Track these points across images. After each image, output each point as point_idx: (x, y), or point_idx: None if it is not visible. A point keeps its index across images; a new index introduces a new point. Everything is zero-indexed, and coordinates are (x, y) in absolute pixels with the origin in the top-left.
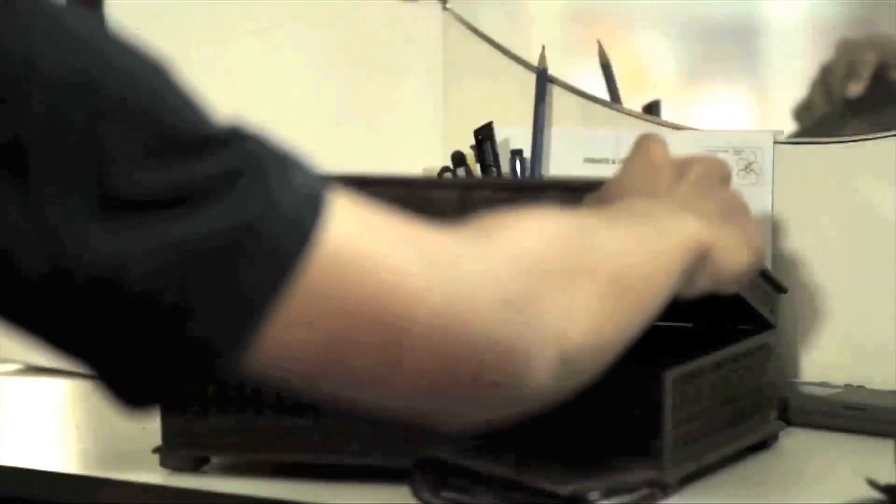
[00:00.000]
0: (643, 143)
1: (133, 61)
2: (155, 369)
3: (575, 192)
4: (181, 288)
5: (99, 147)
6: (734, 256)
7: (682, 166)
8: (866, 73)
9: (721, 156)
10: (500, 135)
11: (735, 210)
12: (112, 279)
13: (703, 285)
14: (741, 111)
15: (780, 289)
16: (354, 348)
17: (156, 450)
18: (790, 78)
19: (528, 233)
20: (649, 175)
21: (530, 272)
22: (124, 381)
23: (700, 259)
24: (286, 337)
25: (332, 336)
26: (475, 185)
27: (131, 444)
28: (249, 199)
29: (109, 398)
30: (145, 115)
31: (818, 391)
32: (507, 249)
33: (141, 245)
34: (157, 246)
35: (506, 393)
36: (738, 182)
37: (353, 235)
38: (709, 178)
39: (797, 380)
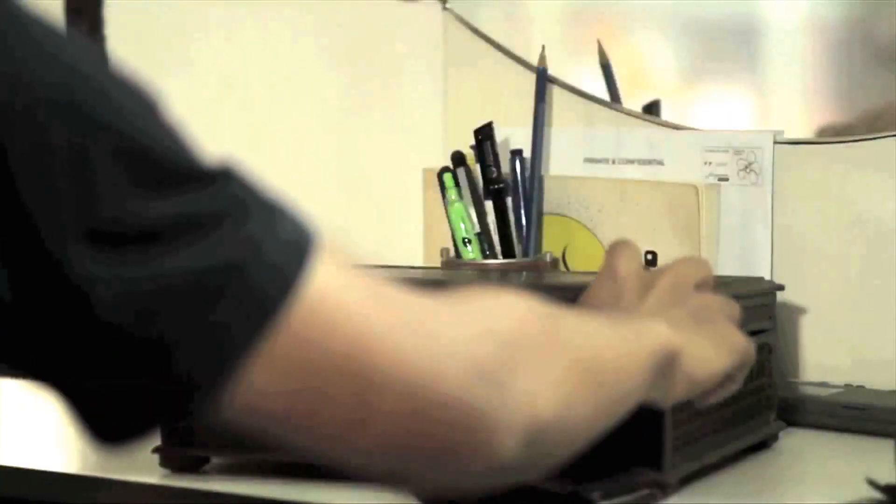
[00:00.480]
0: (610, 257)
1: (122, 90)
2: (129, 403)
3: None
4: (161, 322)
5: (83, 172)
6: (707, 362)
7: (652, 277)
8: None
9: (721, 156)
10: (500, 135)
11: (710, 314)
12: (91, 306)
13: (678, 392)
14: (741, 111)
15: (776, 287)
16: (325, 401)
17: (156, 450)
18: (790, 78)
19: (505, 308)
20: (615, 290)
21: (504, 345)
22: (99, 417)
23: (669, 363)
24: (260, 384)
25: (304, 386)
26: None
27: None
28: (233, 241)
29: (83, 433)
30: (132, 144)
31: (818, 391)
32: (484, 320)
33: (122, 275)
34: (140, 277)
35: (470, 461)
36: (738, 182)
37: (335, 289)
38: (680, 287)
39: (797, 380)
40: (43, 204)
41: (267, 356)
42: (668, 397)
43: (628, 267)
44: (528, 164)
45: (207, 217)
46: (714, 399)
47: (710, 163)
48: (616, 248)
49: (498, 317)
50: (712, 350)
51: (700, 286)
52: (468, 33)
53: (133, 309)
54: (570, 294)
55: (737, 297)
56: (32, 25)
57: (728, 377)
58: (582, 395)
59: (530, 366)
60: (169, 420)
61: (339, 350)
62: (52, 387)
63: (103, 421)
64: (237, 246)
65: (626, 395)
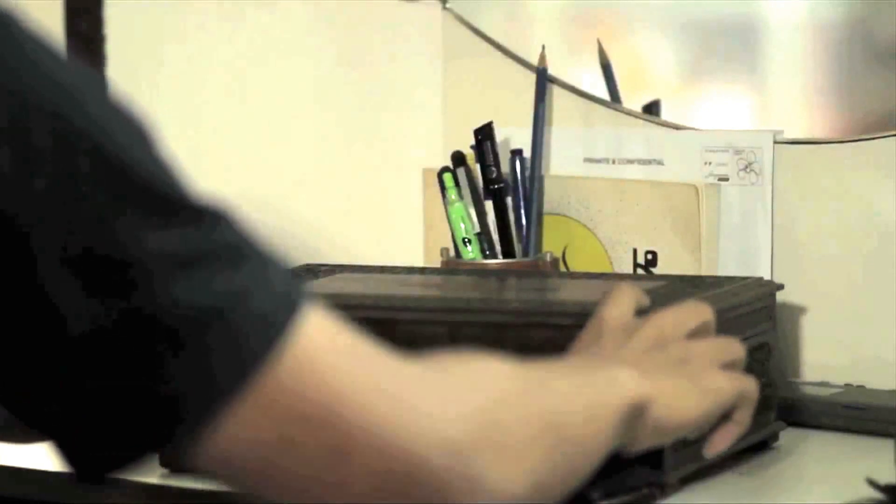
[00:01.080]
0: (602, 301)
1: (118, 119)
2: (114, 433)
3: (564, 329)
4: (154, 350)
5: (72, 196)
6: (678, 410)
7: (638, 324)
8: None
9: (721, 156)
10: (500, 135)
11: (692, 360)
12: (68, 332)
13: (644, 441)
14: (741, 111)
15: (776, 287)
16: (299, 453)
17: None
18: (790, 78)
19: (481, 379)
20: (598, 334)
21: (477, 417)
22: (82, 449)
23: (636, 413)
24: (238, 429)
25: (280, 436)
26: (464, 323)
27: None
28: (222, 286)
29: (65, 464)
30: (123, 172)
31: (818, 391)
32: (461, 394)
33: (114, 305)
34: (132, 307)
35: None
36: (738, 182)
37: (320, 346)
38: (666, 334)
39: (797, 380)
40: (28, 225)
41: (247, 403)
42: (634, 445)
43: (614, 312)
44: (527, 164)
45: (200, 256)
46: (721, 446)
47: (710, 163)
48: (611, 294)
49: (475, 386)
50: (687, 398)
51: (697, 333)
52: (468, 33)
53: (110, 339)
54: (570, 312)
55: (736, 299)
56: (34, 49)
57: (736, 421)
58: (552, 464)
59: (504, 448)
60: (153, 449)
61: (319, 404)
62: (35, 422)
63: (83, 453)
64: (226, 291)
65: (594, 453)
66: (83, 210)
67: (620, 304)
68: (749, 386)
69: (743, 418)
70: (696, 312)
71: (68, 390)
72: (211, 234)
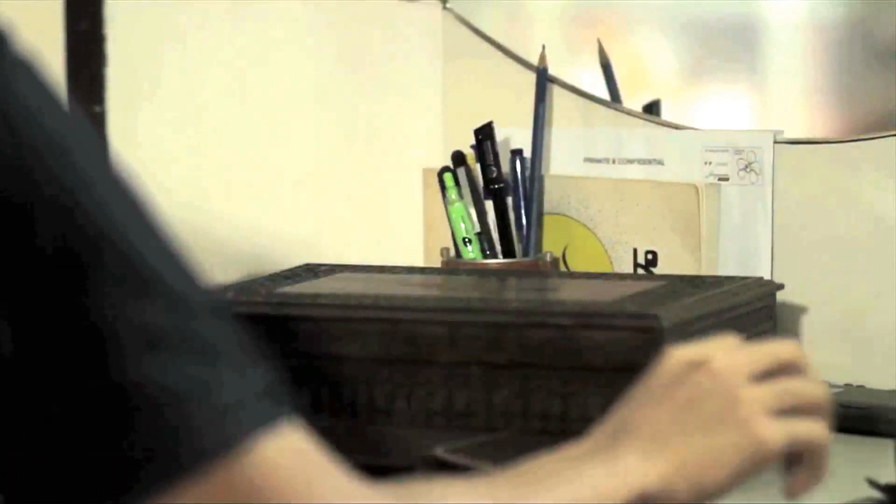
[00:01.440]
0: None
1: (117, 195)
2: (63, 493)
3: (564, 329)
4: (113, 421)
5: (76, 275)
6: (709, 471)
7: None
8: None
9: (721, 156)
10: (500, 135)
11: (744, 407)
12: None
13: None
14: (741, 111)
15: (776, 287)
16: None
17: None
18: (790, 78)
19: None
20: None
21: None
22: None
23: (650, 497)
24: None
25: None
26: (464, 323)
27: None
28: (190, 376)
29: None
30: (118, 249)
31: None
32: None
33: (85, 374)
34: (103, 377)
35: None
36: (738, 182)
37: (281, 461)
38: (725, 378)
39: None
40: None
41: (190, 492)
42: None
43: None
44: (528, 164)
45: (180, 339)
46: (794, 495)
47: (710, 163)
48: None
49: None
50: (717, 456)
51: (775, 373)
52: (468, 33)
53: (75, 405)
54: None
55: (736, 299)
56: (42, 115)
57: (811, 470)
58: None
59: None
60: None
61: None
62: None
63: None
64: (196, 380)
65: None
66: (86, 283)
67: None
68: (812, 431)
69: (817, 466)
70: (773, 352)
71: (24, 446)
72: (196, 322)
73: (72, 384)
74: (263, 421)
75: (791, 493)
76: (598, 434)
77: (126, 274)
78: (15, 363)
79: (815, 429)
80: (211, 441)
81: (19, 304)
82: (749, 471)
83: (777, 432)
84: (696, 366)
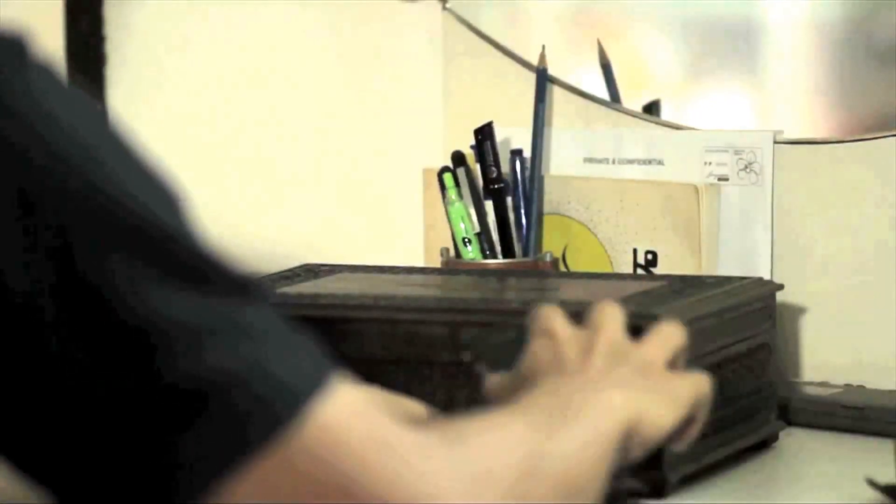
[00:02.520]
0: (539, 322)
1: (147, 182)
2: (114, 493)
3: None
4: (167, 416)
5: (106, 272)
6: (658, 421)
7: (589, 337)
8: None
9: (721, 156)
10: (500, 135)
11: (653, 368)
12: (104, 396)
13: (634, 454)
14: (741, 111)
15: (776, 287)
16: None
17: None
18: (790, 78)
19: (494, 448)
20: (555, 354)
21: (493, 491)
22: None
23: (629, 434)
24: (246, 497)
25: None
26: (464, 323)
27: None
28: (237, 360)
29: None
30: (158, 243)
31: (818, 391)
32: (473, 466)
33: (133, 369)
34: (152, 371)
35: None
36: (738, 182)
37: (338, 425)
38: (619, 342)
39: (797, 380)
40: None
41: (257, 472)
42: (626, 461)
43: (564, 328)
44: (528, 164)
45: (225, 327)
46: (684, 445)
47: (710, 163)
48: (542, 315)
49: (489, 457)
50: (661, 408)
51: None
52: (468, 33)
53: (125, 402)
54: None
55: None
56: (64, 111)
57: (691, 420)
58: None
59: None
60: None
61: (330, 484)
62: (34, 474)
63: None
64: (249, 361)
65: (598, 490)
66: (111, 274)
67: (563, 319)
68: (705, 385)
69: (703, 415)
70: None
71: (74, 445)
72: (238, 305)
73: (124, 386)
74: (318, 385)
75: (681, 443)
76: (574, 382)
77: (166, 265)
78: (62, 363)
79: (705, 381)
80: (277, 413)
81: (62, 302)
82: (678, 424)
83: (691, 388)
84: (590, 331)
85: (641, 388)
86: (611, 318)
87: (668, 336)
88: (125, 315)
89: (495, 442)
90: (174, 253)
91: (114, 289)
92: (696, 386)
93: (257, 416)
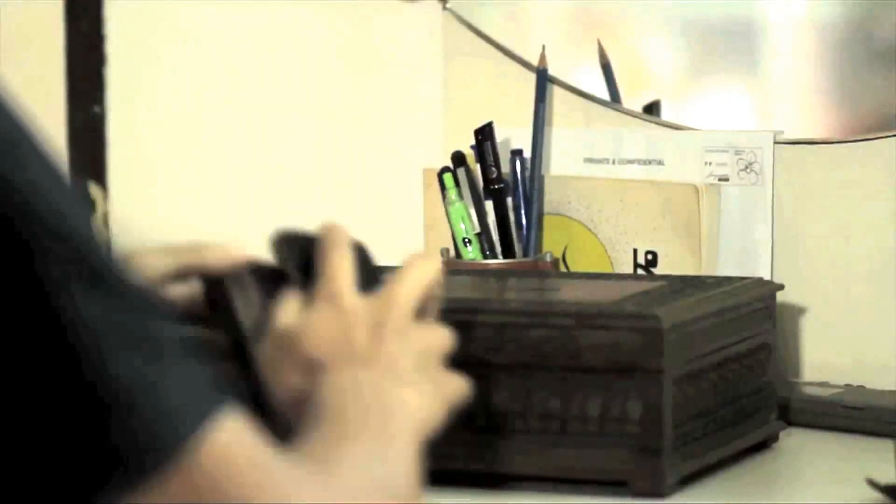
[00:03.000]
0: (326, 279)
1: (64, 191)
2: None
3: (564, 329)
4: (82, 419)
5: (38, 273)
6: (433, 419)
7: (379, 310)
8: None
9: (721, 156)
10: (500, 135)
11: (430, 359)
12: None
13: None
14: (741, 111)
15: (776, 287)
16: None
17: None
18: (790, 78)
19: (354, 476)
20: (341, 325)
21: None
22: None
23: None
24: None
25: None
26: (464, 323)
27: None
28: (143, 373)
29: None
30: (72, 246)
31: (818, 391)
32: (342, 494)
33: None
34: (74, 375)
35: None
36: (738, 182)
37: (228, 452)
38: (406, 318)
39: (797, 380)
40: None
41: (155, 489)
42: None
43: (352, 298)
44: (528, 164)
45: (124, 338)
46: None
47: (710, 163)
48: (335, 261)
49: (354, 487)
50: (435, 405)
51: (425, 301)
52: (468, 33)
53: (49, 403)
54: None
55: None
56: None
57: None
58: None
59: None
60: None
61: (231, 494)
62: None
63: None
64: (145, 379)
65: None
66: (47, 280)
67: (349, 279)
68: (462, 385)
69: (451, 413)
70: (425, 271)
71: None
72: (140, 318)
73: (41, 383)
74: (209, 415)
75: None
76: (370, 383)
77: (82, 270)
78: None
79: (463, 383)
80: (164, 440)
81: None
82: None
83: (459, 388)
84: (378, 304)
85: (423, 383)
86: (410, 283)
87: (422, 274)
88: (41, 314)
89: (352, 469)
90: (87, 258)
91: (31, 285)
92: (464, 389)
93: (148, 441)
